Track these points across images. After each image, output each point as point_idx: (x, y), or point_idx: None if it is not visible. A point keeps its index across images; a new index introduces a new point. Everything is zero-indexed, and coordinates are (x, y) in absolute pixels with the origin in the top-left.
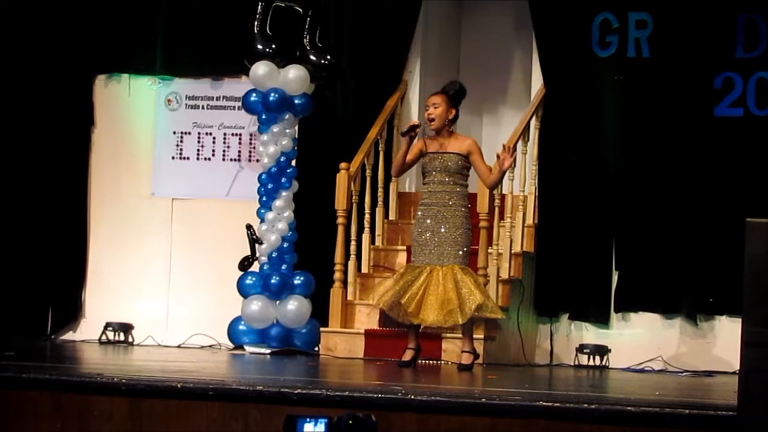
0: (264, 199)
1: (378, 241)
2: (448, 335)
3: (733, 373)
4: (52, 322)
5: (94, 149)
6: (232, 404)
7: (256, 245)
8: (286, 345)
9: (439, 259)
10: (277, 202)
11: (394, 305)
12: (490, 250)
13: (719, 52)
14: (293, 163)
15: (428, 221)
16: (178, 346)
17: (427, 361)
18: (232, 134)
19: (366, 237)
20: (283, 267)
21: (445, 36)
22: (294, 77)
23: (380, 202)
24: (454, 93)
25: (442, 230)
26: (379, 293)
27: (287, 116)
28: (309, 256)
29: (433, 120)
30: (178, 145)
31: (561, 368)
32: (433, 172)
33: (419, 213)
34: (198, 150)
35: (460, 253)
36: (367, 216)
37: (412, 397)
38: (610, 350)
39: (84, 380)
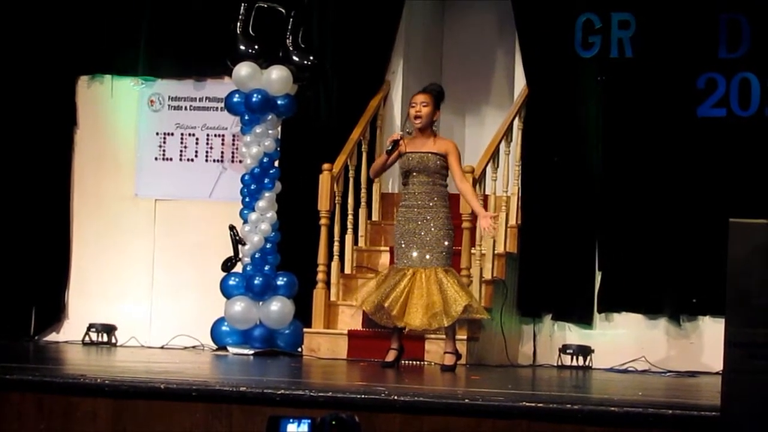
0: (247, 199)
1: (361, 242)
2: (431, 336)
3: (717, 373)
4: (35, 323)
5: (76, 150)
6: (215, 405)
7: (239, 246)
8: (269, 346)
9: (421, 261)
10: (260, 203)
11: (377, 309)
12: (473, 251)
13: (702, 53)
14: (276, 163)
15: (410, 223)
16: (162, 347)
17: (410, 362)
18: (215, 135)
19: (349, 238)
20: (266, 268)
21: (428, 36)
22: (277, 78)
23: (363, 203)
24: (437, 94)
25: (423, 232)
26: (362, 295)
27: (270, 117)
28: (292, 256)
29: (419, 118)
30: (161, 146)
31: (544, 369)
32: (413, 172)
33: (400, 215)
34: (181, 151)
35: (443, 254)
36: (350, 217)
37: (396, 397)
38: (593, 351)
39: (68, 381)
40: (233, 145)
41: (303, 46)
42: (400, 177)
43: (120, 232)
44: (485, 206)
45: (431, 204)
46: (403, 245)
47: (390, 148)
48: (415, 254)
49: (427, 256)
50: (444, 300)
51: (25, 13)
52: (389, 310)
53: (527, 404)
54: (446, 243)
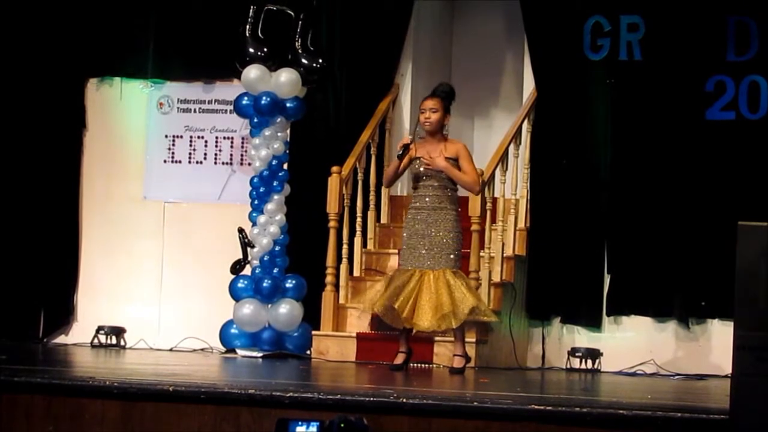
0: (256, 202)
1: (370, 245)
2: (439, 339)
3: (725, 376)
4: (44, 325)
5: (86, 152)
6: (223, 407)
7: (248, 249)
8: (277, 348)
9: (430, 263)
10: (269, 206)
11: (388, 310)
12: (482, 254)
13: (711, 55)
14: (285, 166)
15: (418, 225)
16: (170, 350)
17: (418, 365)
18: (224, 138)
19: (358, 240)
20: (275, 270)
21: (437, 39)
22: (286, 81)
23: (372, 206)
24: (446, 95)
25: (433, 234)
26: (370, 298)
27: (279, 120)
28: (301, 259)
29: (429, 124)
30: (169, 149)
31: (553, 371)
32: (424, 177)
33: (409, 216)
34: (190, 153)
35: (452, 256)
36: (358, 219)
37: (404, 400)
38: (602, 354)
39: (76, 383)
40: (242, 147)
41: (312, 48)
42: (409, 180)
43: (129, 235)
44: (494, 209)
45: (441, 207)
46: (411, 246)
47: (401, 153)
48: (423, 256)
49: (435, 258)
50: (452, 302)
51: (34, 16)
52: (399, 311)
53: (536, 407)
54: (455, 245)
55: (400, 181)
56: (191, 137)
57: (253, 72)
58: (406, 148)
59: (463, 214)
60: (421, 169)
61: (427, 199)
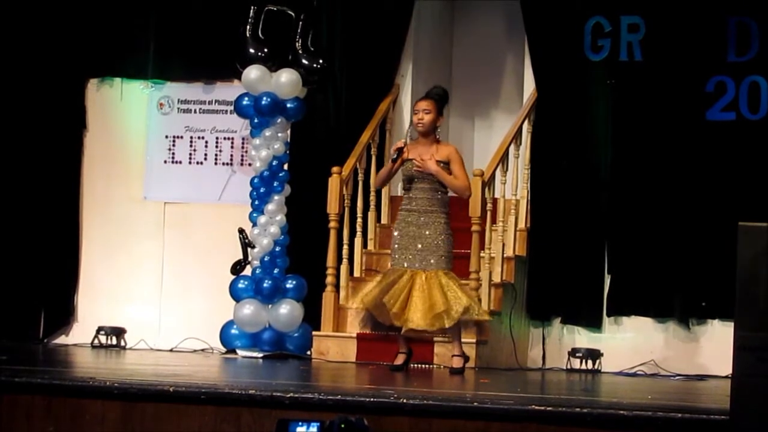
0: (256, 203)
1: (370, 245)
2: (439, 339)
3: (726, 377)
4: (45, 325)
5: (86, 153)
6: (224, 408)
7: (249, 249)
8: (278, 349)
9: (421, 264)
10: (270, 206)
11: (377, 305)
12: (482, 254)
13: (711, 56)
14: (285, 167)
15: (410, 227)
16: (171, 350)
17: (419, 365)
18: (225, 138)
19: (358, 241)
20: (276, 271)
21: (437, 40)
22: (286, 81)
23: (372, 206)
24: (439, 98)
25: (424, 236)
26: (361, 295)
27: (279, 120)
28: (301, 260)
29: (422, 124)
30: (170, 149)
31: (553, 372)
32: (414, 179)
33: (400, 218)
34: (190, 154)
35: (443, 258)
36: (359, 220)
37: (405, 400)
38: (602, 354)
39: (76, 384)
40: (242, 148)
41: (312, 49)
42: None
43: (129, 235)
44: (494, 210)
45: (432, 209)
46: (403, 247)
47: (395, 156)
48: (415, 257)
49: (429, 260)
50: (446, 302)
51: (35, 16)
52: (389, 306)
53: (536, 407)
54: (446, 247)
55: (399, 181)
56: (191, 138)
57: (253, 72)
58: (400, 151)
59: (463, 214)
60: (413, 171)
61: (418, 201)
